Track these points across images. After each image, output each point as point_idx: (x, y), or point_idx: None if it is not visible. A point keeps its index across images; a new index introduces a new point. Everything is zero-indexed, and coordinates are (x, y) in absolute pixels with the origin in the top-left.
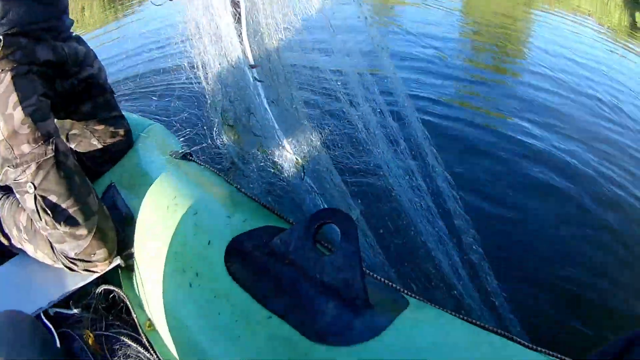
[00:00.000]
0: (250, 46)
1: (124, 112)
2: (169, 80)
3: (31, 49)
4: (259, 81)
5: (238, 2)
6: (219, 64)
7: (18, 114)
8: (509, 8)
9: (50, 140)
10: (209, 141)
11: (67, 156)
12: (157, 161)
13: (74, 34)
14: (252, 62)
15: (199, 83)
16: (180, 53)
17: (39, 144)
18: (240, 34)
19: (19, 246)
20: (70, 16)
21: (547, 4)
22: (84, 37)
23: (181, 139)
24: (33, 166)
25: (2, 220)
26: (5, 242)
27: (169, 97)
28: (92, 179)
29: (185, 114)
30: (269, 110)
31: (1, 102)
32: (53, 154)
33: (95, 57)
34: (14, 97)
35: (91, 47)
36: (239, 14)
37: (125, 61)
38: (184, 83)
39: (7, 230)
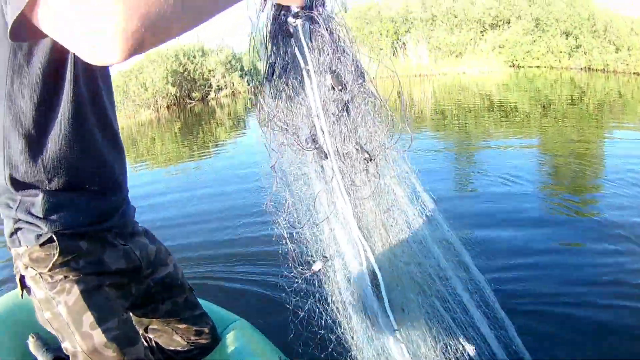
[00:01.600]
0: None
1: (206, 302)
2: (253, 257)
3: (97, 257)
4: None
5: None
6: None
7: (98, 336)
8: (581, 133)
9: None
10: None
11: None
12: None
13: (141, 227)
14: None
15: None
16: (266, 224)
17: None
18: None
19: None
20: (138, 145)
21: (615, 120)
22: (151, 170)
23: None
24: None
25: None
26: None
27: (257, 285)
28: None
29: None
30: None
31: (74, 318)
32: None
33: (169, 253)
34: (89, 317)
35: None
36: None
37: (199, 217)
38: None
39: None
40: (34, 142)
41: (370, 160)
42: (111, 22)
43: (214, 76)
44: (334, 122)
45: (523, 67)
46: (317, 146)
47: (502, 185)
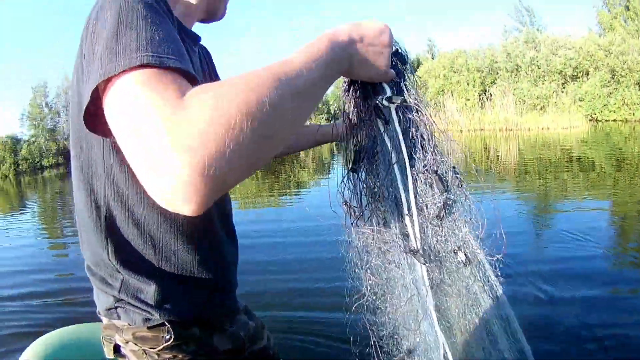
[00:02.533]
0: None
1: None
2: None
3: (208, 341)
4: None
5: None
6: None
7: None
8: None
9: None
10: None
11: None
12: None
13: (241, 304)
14: None
15: None
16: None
17: None
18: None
19: None
20: None
21: None
22: None
23: None
24: None
25: None
26: None
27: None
28: None
29: None
30: None
31: None
32: None
33: (263, 326)
34: None
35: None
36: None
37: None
38: None
39: None
40: (145, 229)
41: (467, 264)
42: (176, 177)
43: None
44: (428, 224)
45: (601, 120)
46: (408, 246)
47: (573, 244)
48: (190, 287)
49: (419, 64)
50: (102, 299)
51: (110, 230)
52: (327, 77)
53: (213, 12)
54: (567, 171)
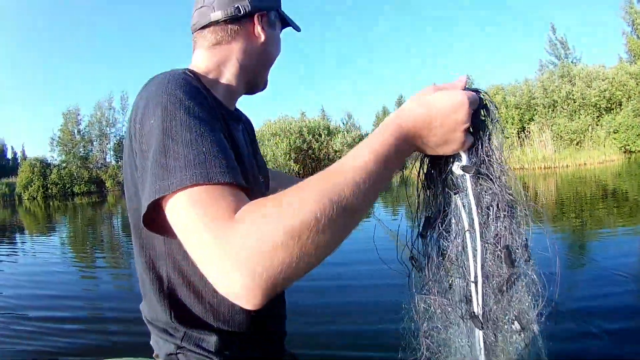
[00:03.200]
0: None
1: None
2: None
3: None
4: None
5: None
6: None
7: None
8: None
9: None
10: None
11: None
12: None
13: (288, 353)
14: None
15: None
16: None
17: None
18: None
19: None
20: None
21: None
22: None
23: None
24: None
25: None
26: None
27: None
28: None
29: None
30: None
31: None
32: None
33: None
34: None
35: None
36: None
37: None
38: None
39: None
40: (205, 298)
41: (521, 333)
42: (227, 282)
43: (339, 157)
44: (491, 293)
45: (634, 151)
46: (470, 312)
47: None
48: (247, 340)
49: None
50: (162, 345)
51: (172, 298)
52: (392, 168)
53: (255, 85)
54: (603, 204)
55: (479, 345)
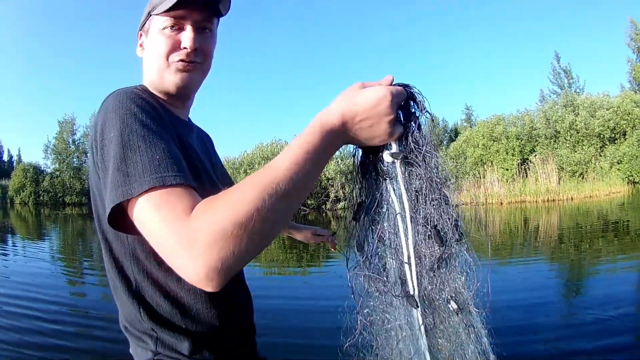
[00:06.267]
0: None
1: None
2: None
3: None
4: None
5: None
6: None
7: None
8: None
9: None
10: None
11: None
12: None
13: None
14: None
15: None
16: None
17: None
18: None
19: None
20: None
21: None
22: (252, 270)
23: None
24: None
25: None
26: None
27: None
28: None
29: None
30: None
31: None
32: None
33: None
34: None
35: None
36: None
37: None
38: None
39: None
40: (170, 295)
41: (458, 313)
42: (189, 270)
43: (332, 185)
44: (424, 273)
45: (638, 182)
46: (405, 292)
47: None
48: (217, 339)
49: (457, 133)
50: (140, 353)
51: (140, 297)
52: (323, 161)
53: (166, 88)
54: (604, 234)
55: (418, 324)
